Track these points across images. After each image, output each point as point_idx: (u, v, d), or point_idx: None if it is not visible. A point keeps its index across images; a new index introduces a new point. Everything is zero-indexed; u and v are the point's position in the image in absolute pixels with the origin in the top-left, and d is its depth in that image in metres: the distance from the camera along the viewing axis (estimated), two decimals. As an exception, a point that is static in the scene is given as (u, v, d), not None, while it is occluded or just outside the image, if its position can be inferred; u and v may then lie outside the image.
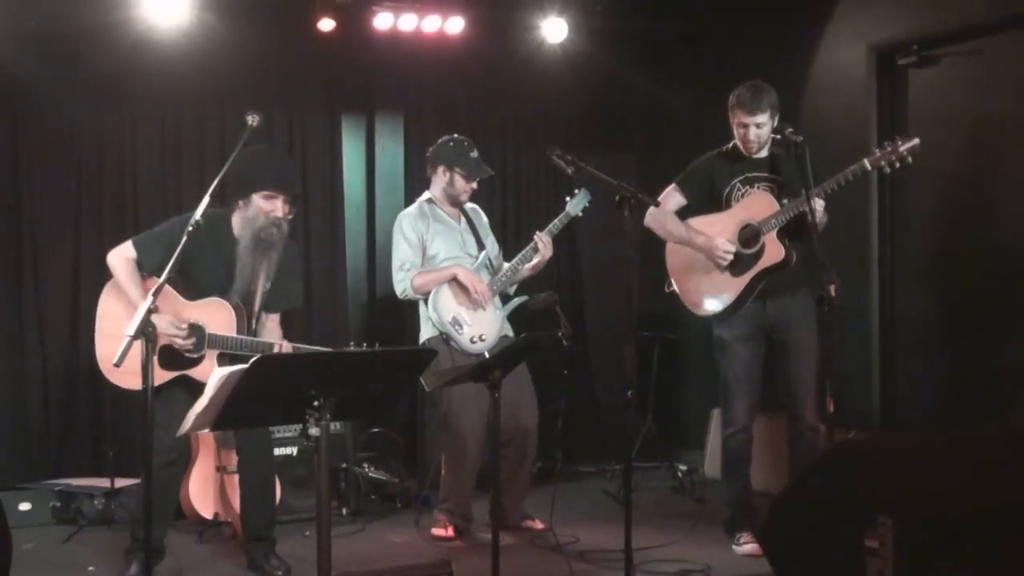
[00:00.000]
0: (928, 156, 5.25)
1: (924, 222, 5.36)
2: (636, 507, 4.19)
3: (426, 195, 5.08)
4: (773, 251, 4.48)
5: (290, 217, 4.32)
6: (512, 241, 5.95)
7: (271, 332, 4.38)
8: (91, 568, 4.48)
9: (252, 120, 3.92)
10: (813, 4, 5.77)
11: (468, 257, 4.99)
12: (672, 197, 4.70)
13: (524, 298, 5.08)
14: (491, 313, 4.94)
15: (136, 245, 4.23)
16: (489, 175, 5.10)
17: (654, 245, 5.23)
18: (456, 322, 4.86)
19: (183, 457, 4.39)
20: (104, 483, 5.23)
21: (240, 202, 4.27)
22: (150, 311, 3.43)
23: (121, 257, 4.22)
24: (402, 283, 4.92)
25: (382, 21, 6.03)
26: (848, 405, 4.44)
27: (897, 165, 4.31)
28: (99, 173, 5.92)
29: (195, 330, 4.14)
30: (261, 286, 4.29)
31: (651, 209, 4.67)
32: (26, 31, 5.46)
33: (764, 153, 4.61)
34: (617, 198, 4.08)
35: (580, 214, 4.97)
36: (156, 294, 3.51)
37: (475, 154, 4.99)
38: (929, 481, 2.75)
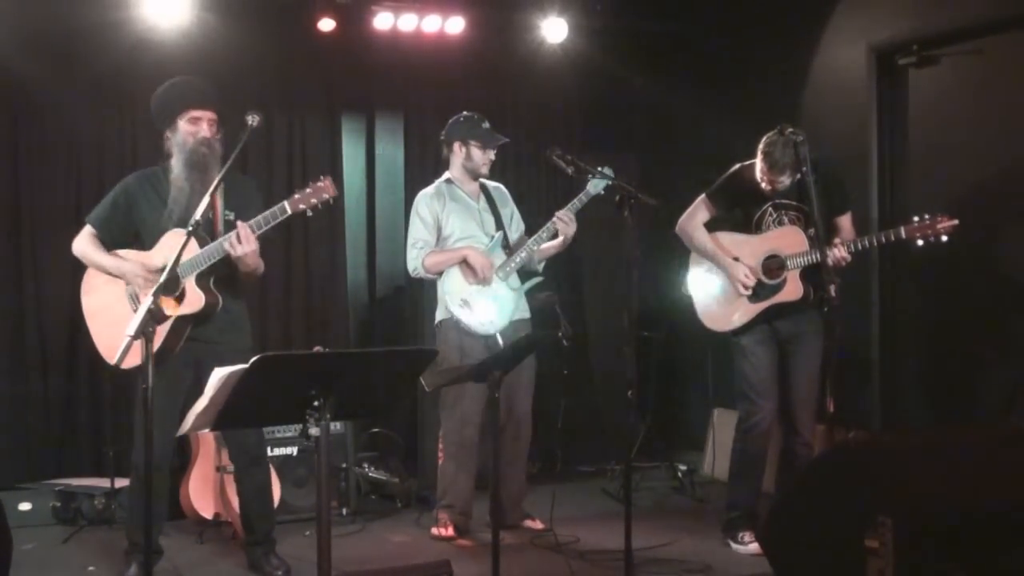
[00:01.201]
0: (928, 156, 5.27)
1: (924, 222, 5.36)
2: (636, 507, 4.20)
3: (445, 175, 5.08)
4: (793, 289, 4.52)
5: (218, 137, 4.27)
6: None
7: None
8: (91, 568, 4.48)
9: (252, 120, 3.92)
10: (813, 4, 5.77)
11: (484, 236, 4.98)
12: (701, 209, 4.73)
13: (540, 278, 5.05)
14: (503, 294, 4.93)
15: (91, 221, 4.37)
16: (504, 141, 5.05)
17: (654, 245, 5.23)
18: (466, 303, 4.86)
19: (167, 459, 4.35)
20: (104, 483, 5.23)
21: (167, 134, 4.27)
22: (150, 311, 3.43)
23: (82, 239, 4.36)
24: (414, 261, 4.94)
25: (382, 21, 6.03)
26: (848, 405, 4.44)
27: (932, 240, 4.32)
28: (99, 173, 5.91)
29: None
30: (220, 214, 4.26)
31: (682, 218, 4.76)
32: (26, 31, 5.46)
33: (789, 180, 4.56)
34: (617, 198, 4.09)
35: (602, 192, 4.83)
36: (156, 294, 3.51)
37: (487, 125, 4.99)
38: (929, 481, 2.75)
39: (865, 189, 5.37)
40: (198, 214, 3.74)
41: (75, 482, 5.36)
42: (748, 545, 4.58)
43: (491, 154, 5.01)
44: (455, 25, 6.16)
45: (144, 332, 3.38)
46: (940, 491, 2.72)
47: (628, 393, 4.08)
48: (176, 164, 4.24)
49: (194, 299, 4.13)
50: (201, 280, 4.15)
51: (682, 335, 6.57)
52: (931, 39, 5.17)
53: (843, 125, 5.51)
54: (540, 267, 5.12)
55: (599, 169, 4.66)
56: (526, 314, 5.03)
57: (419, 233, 4.95)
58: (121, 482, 5.20)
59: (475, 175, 5.02)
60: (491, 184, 5.17)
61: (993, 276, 4.96)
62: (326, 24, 5.92)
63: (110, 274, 4.28)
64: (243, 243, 4.05)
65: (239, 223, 4.09)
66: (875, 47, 5.42)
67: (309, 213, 4.08)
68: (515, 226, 5.15)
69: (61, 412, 5.78)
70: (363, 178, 6.66)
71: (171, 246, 4.10)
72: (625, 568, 3.95)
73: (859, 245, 4.41)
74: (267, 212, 4.08)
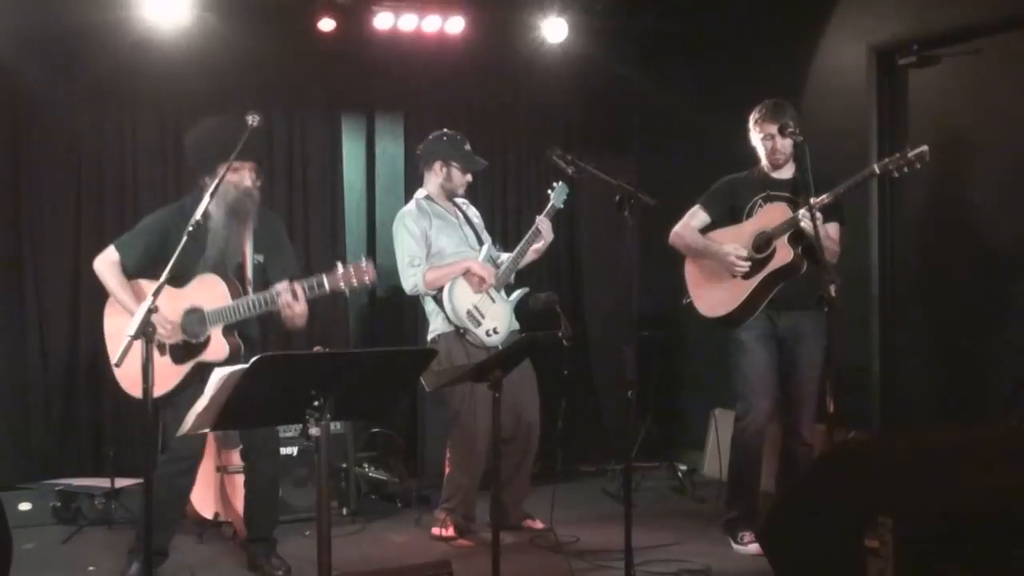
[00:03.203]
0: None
1: (924, 222, 5.36)
2: (636, 507, 4.20)
3: (422, 192, 5.08)
4: (783, 254, 4.51)
5: (259, 184, 4.30)
6: (513, 240, 5.94)
7: None
8: (91, 568, 4.48)
9: (252, 120, 3.91)
10: (813, 4, 5.77)
11: (471, 250, 5.00)
12: (697, 216, 4.79)
13: (526, 289, 5.07)
14: (501, 306, 4.95)
15: (118, 247, 4.26)
16: (484, 166, 5.12)
17: (654, 246, 5.23)
18: (472, 315, 4.86)
19: (197, 463, 4.38)
20: (104, 483, 5.22)
21: (207, 179, 4.19)
22: (150, 311, 3.43)
23: (106, 262, 4.25)
24: (413, 278, 4.89)
25: (382, 21, 6.03)
26: (848, 405, 4.44)
27: (905, 170, 4.33)
28: (99, 173, 5.92)
29: (194, 313, 4.12)
30: (249, 259, 4.26)
31: (675, 228, 4.80)
32: (26, 31, 5.46)
33: (788, 174, 4.65)
34: (617, 198, 4.09)
35: (561, 206, 5.01)
36: (156, 294, 3.51)
37: (468, 147, 5.03)
38: (929, 481, 2.75)
39: (865, 189, 5.36)
40: (198, 214, 3.73)
41: (75, 482, 5.35)
42: (748, 545, 4.58)
43: (469, 176, 5.04)
44: (455, 25, 6.16)
45: (144, 332, 3.38)
46: (940, 491, 2.72)
47: (628, 393, 4.08)
48: (216, 211, 4.17)
49: (219, 349, 4.12)
50: (228, 329, 4.14)
51: (682, 335, 6.57)
52: (931, 39, 5.17)
53: (843, 125, 5.51)
54: (512, 279, 5.10)
55: (554, 184, 4.88)
56: (516, 325, 5.05)
57: (412, 250, 4.90)
58: (121, 482, 5.20)
59: (452, 195, 5.05)
60: (460, 200, 5.18)
61: (993, 275, 4.96)
62: (326, 24, 5.93)
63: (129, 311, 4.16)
64: (298, 303, 4.01)
65: (287, 285, 4.00)
66: (875, 47, 5.42)
67: (347, 293, 4.02)
68: (487, 240, 5.19)
69: (61, 412, 5.78)
70: (363, 178, 6.66)
71: (204, 291, 4.13)
72: (625, 568, 3.95)
73: (839, 193, 4.38)
74: (306, 281, 4.01)
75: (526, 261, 5.05)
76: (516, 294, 5.06)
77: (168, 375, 4.11)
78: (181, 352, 4.15)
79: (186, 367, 4.15)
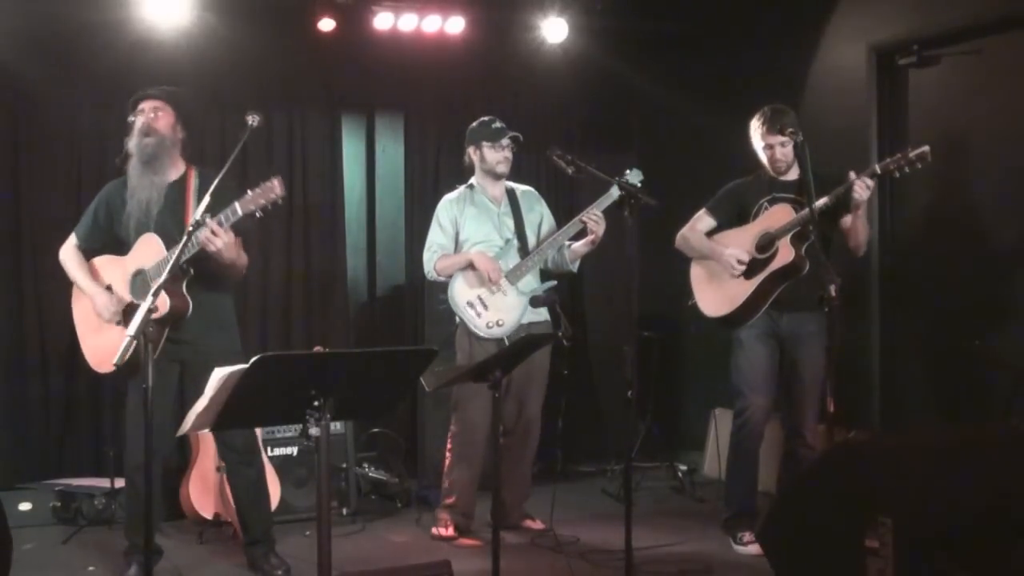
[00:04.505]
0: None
1: (924, 222, 5.36)
2: (636, 507, 4.20)
3: (471, 180, 5.07)
4: (784, 254, 4.53)
5: (165, 121, 4.28)
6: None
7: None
8: (91, 568, 4.48)
9: (252, 120, 3.91)
10: (813, 4, 5.77)
11: (500, 239, 4.96)
12: (702, 220, 4.82)
13: (553, 283, 5.01)
14: (512, 298, 4.89)
15: (75, 231, 4.42)
16: (513, 135, 4.96)
17: (655, 246, 5.23)
18: (472, 306, 4.84)
19: (159, 460, 4.33)
20: (104, 483, 5.22)
21: (125, 141, 4.30)
22: (150, 311, 3.43)
23: (67, 250, 4.39)
24: (427, 263, 4.95)
25: (382, 21, 6.03)
26: (848, 405, 4.44)
27: (907, 170, 4.33)
28: (99, 173, 5.91)
29: (138, 275, 4.16)
30: (193, 217, 4.14)
31: (681, 231, 4.82)
32: (26, 31, 5.46)
33: (793, 176, 4.67)
34: (617, 198, 4.09)
35: (617, 196, 4.66)
36: (156, 294, 3.51)
37: (498, 124, 4.97)
38: (929, 481, 2.75)
39: (865, 189, 5.36)
40: (198, 213, 3.74)
41: (75, 482, 5.35)
42: (748, 545, 4.58)
43: (507, 152, 4.96)
44: (455, 25, 6.16)
45: (144, 332, 3.38)
46: (940, 491, 2.72)
47: (628, 393, 4.08)
48: (132, 165, 4.25)
49: (159, 303, 4.01)
50: (172, 284, 4.04)
51: (682, 335, 6.57)
52: (931, 39, 5.17)
53: (843, 125, 5.51)
54: (575, 267, 5.07)
55: (628, 171, 4.61)
56: (539, 317, 4.97)
57: (434, 237, 4.96)
58: (121, 482, 5.19)
59: (494, 175, 4.99)
60: (521, 188, 5.13)
61: (993, 275, 4.96)
62: (326, 24, 5.93)
63: (87, 293, 4.31)
64: (218, 236, 3.95)
65: (208, 220, 3.95)
66: (875, 47, 5.42)
67: (259, 214, 3.97)
68: (545, 229, 5.10)
69: (61, 412, 5.78)
70: (363, 178, 6.66)
71: (144, 251, 4.13)
72: (625, 568, 3.96)
73: (839, 192, 4.37)
74: (220, 215, 3.97)
75: (580, 252, 4.95)
76: (543, 287, 4.98)
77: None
78: (131, 313, 4.03)
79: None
